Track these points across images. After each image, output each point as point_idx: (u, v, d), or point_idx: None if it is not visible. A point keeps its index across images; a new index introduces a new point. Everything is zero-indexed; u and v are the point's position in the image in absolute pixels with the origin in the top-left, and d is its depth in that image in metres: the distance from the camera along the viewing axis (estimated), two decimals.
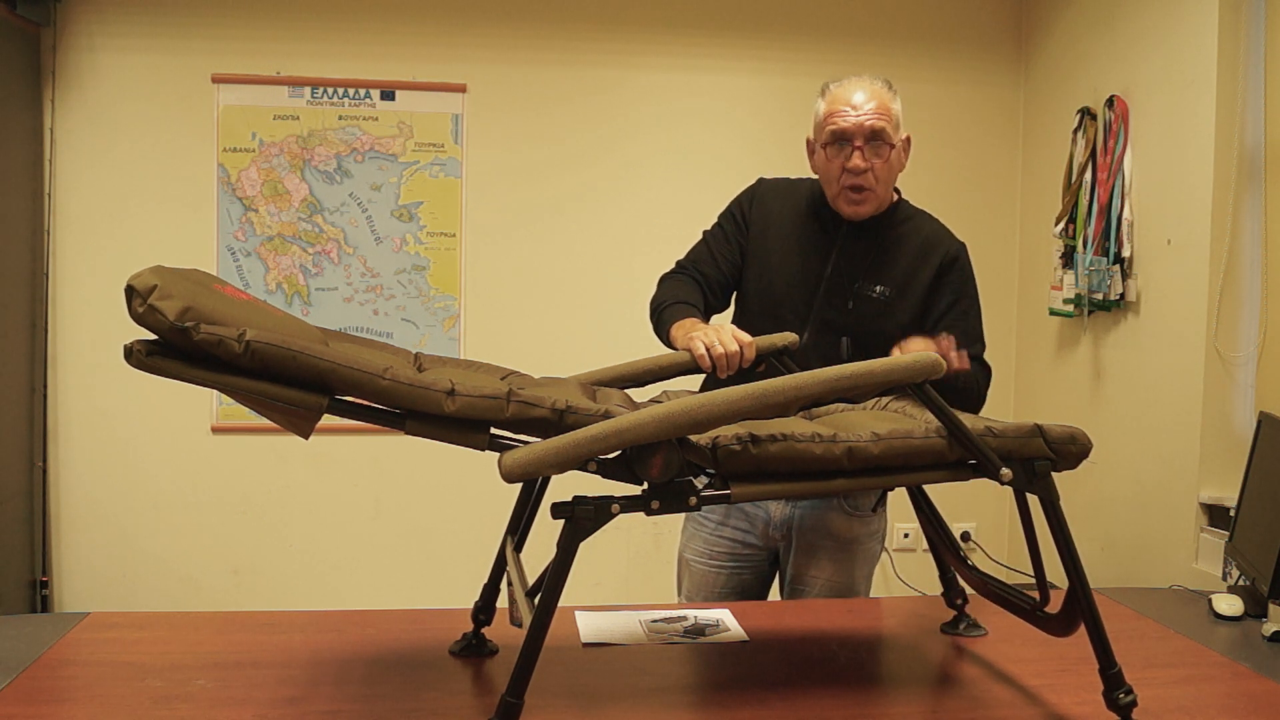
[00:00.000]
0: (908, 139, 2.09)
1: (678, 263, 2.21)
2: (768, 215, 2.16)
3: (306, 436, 1.39)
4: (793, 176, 2.25)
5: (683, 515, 2.23)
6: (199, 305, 1.28)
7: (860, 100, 2.01)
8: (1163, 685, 1.67)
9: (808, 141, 2.13)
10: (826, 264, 2.09)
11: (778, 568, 2.25)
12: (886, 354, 2.01)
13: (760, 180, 2.23)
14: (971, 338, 2.12)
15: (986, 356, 2.24)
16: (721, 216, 2.22)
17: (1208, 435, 2.72)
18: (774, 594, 2.30)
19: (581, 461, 1.35)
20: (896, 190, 2.16)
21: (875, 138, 2.01)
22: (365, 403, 1.37)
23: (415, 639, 1.85)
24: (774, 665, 1.76)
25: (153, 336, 1.30)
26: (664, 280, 2.18)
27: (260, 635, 1.87)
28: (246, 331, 1.29)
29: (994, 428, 1.45)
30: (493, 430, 1.39)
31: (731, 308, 2.24)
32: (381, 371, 1.33)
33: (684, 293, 2.10)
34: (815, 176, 2.16)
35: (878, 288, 2.08)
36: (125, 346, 1.29)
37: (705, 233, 2.23)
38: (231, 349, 1.27)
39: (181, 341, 1.27)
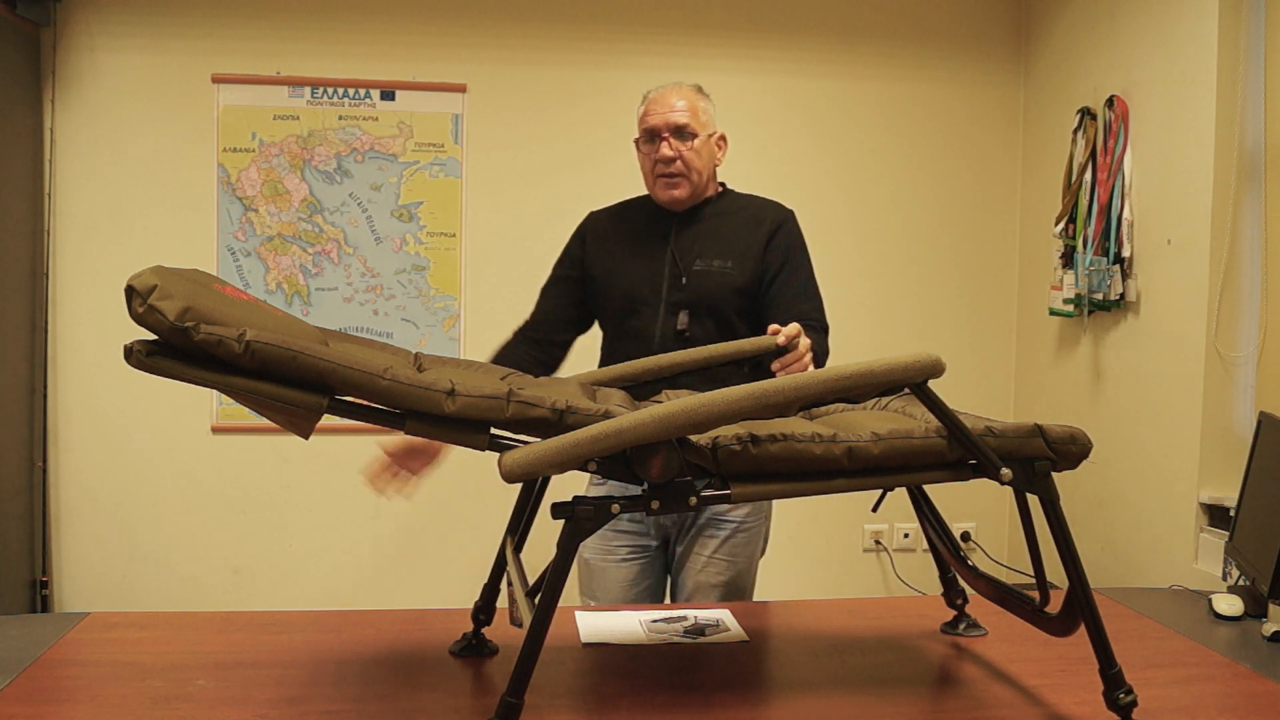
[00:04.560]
0: (722, 136, 2.33)
1: (525, 326, 2.39)
2: (604, 233, 2.35)
3: (306, 436, 1.39)
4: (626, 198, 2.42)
5: None
6: (199, 305, 1.28)
7: (669, 101, 2.25)
8: (1163, 685, 1.67)
9: (635, 143, 2.32)
10: (666, 252, 2.26)
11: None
12: (729, 322, 2.21)
13: (590, 214, 2.42)
14: (805, 294, 2.27)
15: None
16: (558, 265, 2.40)
17: (1208, 435, 2.72)
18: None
19: (581, 462, 1.35)
20: (722, 184, 2.37)
21: (679, 131, 2.23)
22: (365, 403, 1.37)
23: (415, 639, 1.85)
24: (774, 665, 1.76)
25: (153, 336, 1.30)
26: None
27: (260, 635, 1.87)
28: (246, 332, 1.29)
29: (994, 428, 1.45)
30: (493, 430, 1.39)
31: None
32: (381, 371, 1.33)
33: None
34: (642, 194, 2.35)
35: (716, 262, 2.24)
36: (125, 346, 1.29)
37: (545, 287, 2.41)
38: (231, 349, 1.28)
39: (181, 342, 1.27)
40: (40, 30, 3.35)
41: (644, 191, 2.35)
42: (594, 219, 2.40)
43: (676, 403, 1.35)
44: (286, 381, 1.32)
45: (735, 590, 2.24)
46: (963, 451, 1.44)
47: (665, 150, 2.22)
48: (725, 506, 2.22)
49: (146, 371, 1.30)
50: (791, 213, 2.33)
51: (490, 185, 3.57)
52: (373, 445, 2.07)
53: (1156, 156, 2.95)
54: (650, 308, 2.23)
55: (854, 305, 3.70)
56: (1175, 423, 2.83)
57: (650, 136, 2.26)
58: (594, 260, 2.33)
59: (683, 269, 2.23)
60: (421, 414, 1.35)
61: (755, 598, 2.32)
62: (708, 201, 2.31)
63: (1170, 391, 2.86)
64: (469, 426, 1.37)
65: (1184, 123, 2.82)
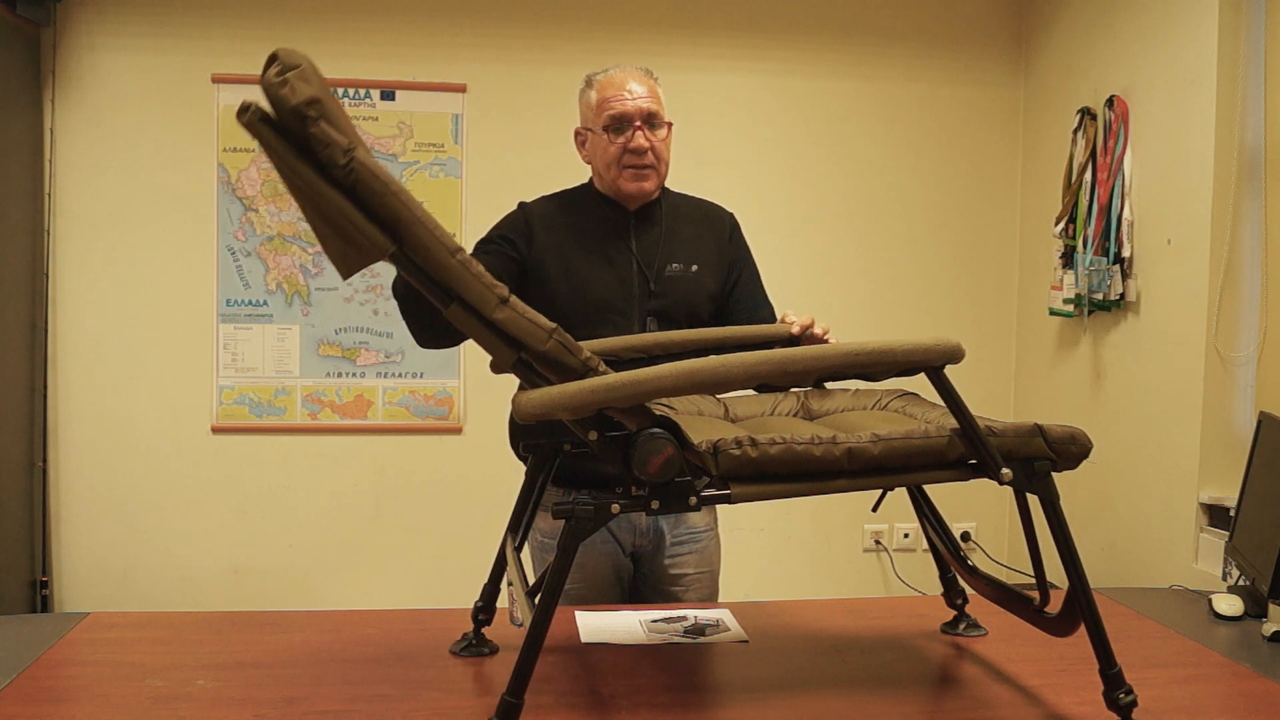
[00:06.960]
0: (670, 125, 2.18)
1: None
2: (552, 226, 2.14)
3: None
4: (568, 188, 2.23)
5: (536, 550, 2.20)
6: (328, 104, 1.28)
7: (633, 87, 2.10)
8: (1163, 685, 1.67)
9: (577, 133, 2.18)
10: (629, 255, 2.13)
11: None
12: (700, 326, 2.08)
13: (522, 204, 2.20)
14: (764, 298, 2.22)
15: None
16: (489, 242, 2.16)
17: (1208, 435, 2.72)
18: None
19: (594, 409, 1.35)
20: None
21: (652, 118, 2.11)
22: (423, 268, 1.35)
23: (415, 639, 1.85)
24: (774, 665, 1.76)
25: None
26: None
27: (260, 635, 1.87)
28: (357, 149, 1.28)
29: (994, 427, 1.45)
30: (521, 359, 1.38)
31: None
32: (454, 250, 1.34)
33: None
34: (570, 187, 2.20)
35: (685, 266, 2.14)
36: (243, 103, 1.27)
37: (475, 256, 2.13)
38: (335, 157, 1.27)
39: (296, 126, 1.27)
40: (40, 30, 3.35)
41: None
42: (534, 208, 2.18)
43: (698, 360, 1.36)
44: (366, 212, 1.31)
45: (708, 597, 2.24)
46: (963, 451, 1.44)
47: (640, 140, 2.09)
48: (697, 517, 2.20)
49: (249, 132, 1.27)
50: (733, 213, 2.27)
51: (490, 185, 3.57)
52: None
53: (1156, 156, 2.95)
54: (625, 318, 2.08)
55: (854, 305, 3.70)
56: (1175, 423, 2.83)
57: (620, 124, 2.09)
58: (546, 255, 2.11)
59: (651, 274, 2.11)
60: (469, 306, 1.35)
61: (756, 598, 2.32)
62: (660, 200, 2.19)
63: (1170, 391, 2.86)
64: (504, 339, 1.37)
65: (1184, 123, 2.82)
